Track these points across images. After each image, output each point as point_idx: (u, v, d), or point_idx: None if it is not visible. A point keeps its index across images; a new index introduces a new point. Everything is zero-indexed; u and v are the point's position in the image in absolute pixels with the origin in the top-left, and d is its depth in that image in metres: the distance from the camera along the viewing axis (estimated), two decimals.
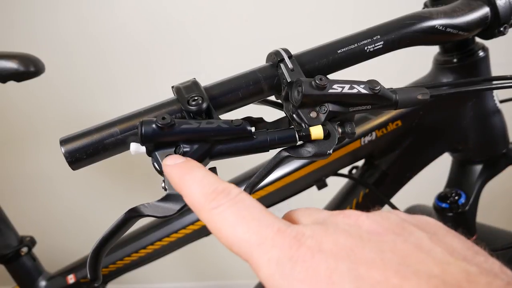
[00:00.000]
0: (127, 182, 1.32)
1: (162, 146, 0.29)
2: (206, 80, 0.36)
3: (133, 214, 0.28)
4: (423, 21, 0.42)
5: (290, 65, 0.35)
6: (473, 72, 0.57)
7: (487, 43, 0.55)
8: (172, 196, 0.28)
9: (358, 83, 0.32)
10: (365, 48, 0.39)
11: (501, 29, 0.47)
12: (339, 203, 0.69)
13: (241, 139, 0.30)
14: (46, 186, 1.33)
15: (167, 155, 0.28)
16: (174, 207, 0.28)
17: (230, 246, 0.21)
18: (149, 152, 0.29)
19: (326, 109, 0.31)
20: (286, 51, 0.36)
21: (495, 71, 0.58)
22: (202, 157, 0.29)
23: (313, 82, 0.31)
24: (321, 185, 0.64)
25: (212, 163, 0.30)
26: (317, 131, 0.30)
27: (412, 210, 0.82)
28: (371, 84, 0.32)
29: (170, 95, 0.34)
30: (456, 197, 0.63)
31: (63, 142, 0.31)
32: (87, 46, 1.15)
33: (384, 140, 0.61)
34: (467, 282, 0.17)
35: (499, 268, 0.19)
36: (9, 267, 0.73)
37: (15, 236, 0.73)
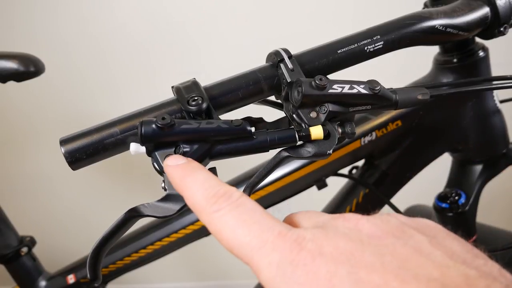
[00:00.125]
0: (127, 182, 1.32)
1: (162, 146, 0.29)
2: (206, 80, 0.36)
3: (133, 214, 0.28)
4: (423, 21, 0.42)
5: (290, 65, 0.35)
6: (473, 72, 0.57)
7: (487, 43, 0.55)
8: (172, 196, 0.28)
9: (358, 83, 0.32)
10: (365, 48, 0.39)
11: (501, 29, 0.47)
12: (339, 203, 0.69)
13: (241, 139, 0.30)
14: (46, 186, 1.33)
15: (167, 155, 0.28)
16: (174, 207, 0.28)
17: (231, 249, 0.21)
18: (149, 152, 0.29)
19: (326, 109, 0.31)
20: (286, 51, 0.36)
21: (495, 71, 0.58)
22: (202, 157, 0.29)
23: (313, 82, 0.31)
24: (321, 185, 0.64)
25: (212, 163, 0.30)
26: (317, 131, 0.30)
27: (412, 210, 0.82)
28: (371, 84, 0.32)
29: (170, 95, 0.34)
30: (456, 197, 0.63)
31: (63, 142, 0.31)
32: (87, 46, 1.15)
33: (384, 140, 0.61)
34: (466, 285, 0.17)
35: (498, 271, 0.19)
36: (9, 267, 0.73)
37: (15, 236, 0.73)
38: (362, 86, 0.32)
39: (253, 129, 0.30)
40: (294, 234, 0.20)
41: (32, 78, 0.60)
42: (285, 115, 0.35)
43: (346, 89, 0.31)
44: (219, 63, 1.13)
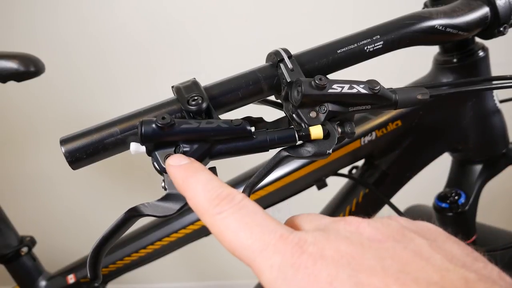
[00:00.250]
0: (127, 182, 1.32)
1: (162, 146, 0.29)
2: (206, 80, 0.36)
3: (133, 213, 0.28)
4: (423, 21, 0.42)
5: (289, 65, 0.35)
6: (473, 72, 0.57)
7: (487, 43, 0.55)
8: (172, 196, 0.28)
9: (358, 83, 0.32)
10: (365, 48, 0.39)
11: (501, 29, 0.47)
12: (339, 203, 0.69)
13: (241, 139, 0.30)
14: (46, 186, 1.33)
15: (167, 155, 0.28)
16: (174, 206, 0.28)
17: (233, 252, 0.22)
18: (149, 152, 0.29)
19: (325, 109, 0.31)
20: (286, 51, 0.36)
21: (495, 71, 0.58)
22: (202, 157, 0.29)
23: (312, 82, 0.31)
24: (321, 185, 0.64)
25: (212, 163, 0.30)
26: (316, 131, 0.30)
27: (412, 210, 0.82)
28: (371, 84, 0.32)
29: (170, 95, 0.34)
30: (456, 197, 0.63)
31: (63, 142, 0.31)
32: (87, 46, 1.15)
33: (384, 140, 0.61)
34: None
35: (497, 274, 0.19)
36: (9, 267, 0.73)
37: (15, 236, 0.73)
38: (361, 86, 0.32)
39: (253, 128, 0.30)
40: (296, 237, 0.20)
41: (32, 78, 0.60)
42: (285, 115, 0.35)
43: (346, 89, 0.31)
44: (219, 63, 1.13)
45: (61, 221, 1.40)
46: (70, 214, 1.39)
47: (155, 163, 0.29)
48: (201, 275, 1.52)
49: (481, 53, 0.56)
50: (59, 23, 1.13)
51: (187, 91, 0.32)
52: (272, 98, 0.39)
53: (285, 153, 0.31)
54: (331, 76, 0.33)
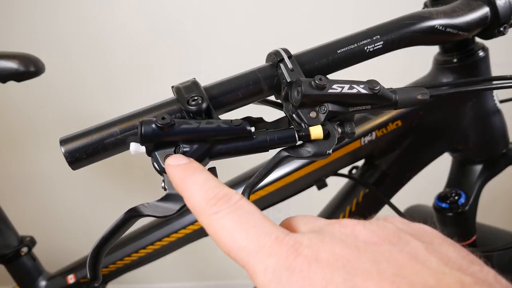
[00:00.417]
0: (127, 182, 1.32)
1: (162, 146, 0.29)
2: (206, 80, 0.36)
3: (133, 214, 0.28)
4: (423, 21, 0.42)
5: (289, 65, 0.35)
6: (473, 72, 0.57)
7: (487, 43, 0.55)
8: (171, 196, 0.28)
9: (358, 83, 0.32)
10: (365, 48, 0.39)
11: (501, 29, 0.47)
12: (339, 203, 0.69)
13: (241, 139, 0.30)
14: (46, 186, 1.33)
15: (167, 155, 0.28)
16: (173, 207, 0.28)
17: (228, 252, 0.21)
18: (149, 152, 0.29)
19: (325, 109, 0.31)
20: (286, 51, 0.36)
21: (495, 71, 0.58)
22: (201, 157, 0.29)
23: (312, 82, 0.31)
24: (321, 185, 0.64)
25: (211, 163, 0.30)
26: (316, 131, 0.30)
27: (412, 210, 0.82)
28: (371, 84, 0.32)
29: (170, 95, 0.34)
30: (456, 197, 0.63)
31: (63, 142, 0.31)
32: (87, 46, 1.15)
33: (384, 140, 0.61)
34: None
35: (493, 277, 0.19)
36: (9, 267, 0.73)
37: (15, 236, 0.73)
38: (361, 86, 0.32)
39: (253, 129, 0.30)
40: (291, 240, 0.20)
41: (32, 78, 0.60)
42: (284, 115, 0.35)
43: (346, 89, 0.31)
44: (219, 63, 1.13)
45: (61, 221, 1.40)
46: (70, 214, 1.39)
47: (155, 163, 0.29)
48: (201, 275, 1.52)
49: (481, 53, 0.56)
50: (59, 23, 1.13)
51: (187, 91, 0.32)
52: (272, 98, 0.39)
53: (285, 153, 0.31)
54: (331, 76, 0.33)
